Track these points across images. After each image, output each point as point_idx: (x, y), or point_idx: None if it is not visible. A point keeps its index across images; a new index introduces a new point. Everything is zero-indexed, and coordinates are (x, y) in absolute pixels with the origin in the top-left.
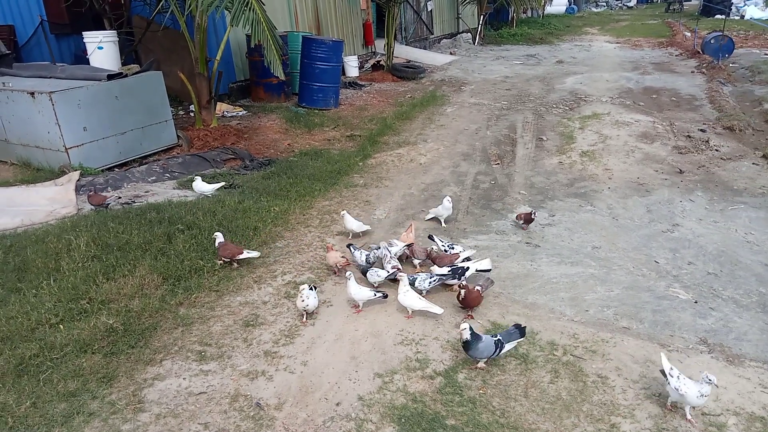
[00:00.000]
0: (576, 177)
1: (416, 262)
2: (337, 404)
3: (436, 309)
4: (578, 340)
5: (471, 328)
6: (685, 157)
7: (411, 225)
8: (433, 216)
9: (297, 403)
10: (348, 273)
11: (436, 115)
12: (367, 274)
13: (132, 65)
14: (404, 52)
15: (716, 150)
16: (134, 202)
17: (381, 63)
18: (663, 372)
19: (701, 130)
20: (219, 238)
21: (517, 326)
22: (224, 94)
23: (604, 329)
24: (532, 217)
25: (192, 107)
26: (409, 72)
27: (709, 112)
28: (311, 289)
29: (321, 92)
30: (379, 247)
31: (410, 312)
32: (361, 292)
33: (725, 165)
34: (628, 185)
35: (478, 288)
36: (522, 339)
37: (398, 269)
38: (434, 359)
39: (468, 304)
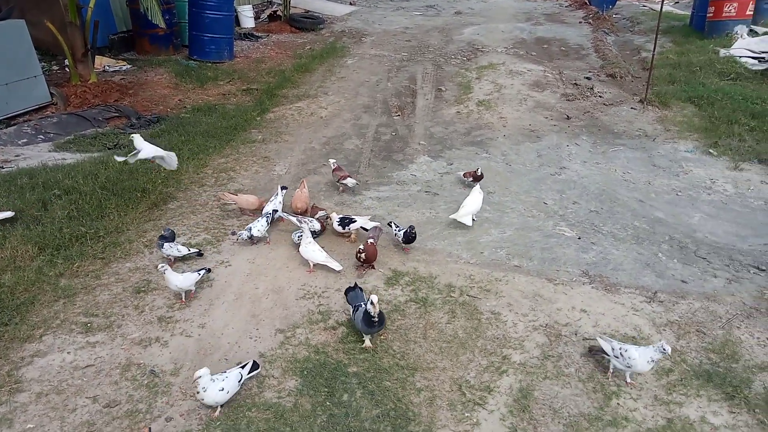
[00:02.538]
0: (473, 126)
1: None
2: (238, 364)
3: (335, 265)
4: (474, 280)
5: None
6: (573, 103)
7: (303, 181)
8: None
9: (195, 366)
10: (161, 266)
11: (337, 67)
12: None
13: None
14: (302, 2)
15: (600, 96)
16: (2, 167)
17: (278, 13)
18: (602, 350)
19: (587, 78)
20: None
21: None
22: (104, 47)
23: (498, 269)
24: (479, 174)
25: (67, 62)
26: (308, 23)
27: (594, 61)
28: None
29: (213, 44)
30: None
31: (311, 266)
32: (186, 279)
33: (607, 110)
34: (520, 132)
35: (371, 241)
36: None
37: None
38: (336, 310)
39: (369, 259)
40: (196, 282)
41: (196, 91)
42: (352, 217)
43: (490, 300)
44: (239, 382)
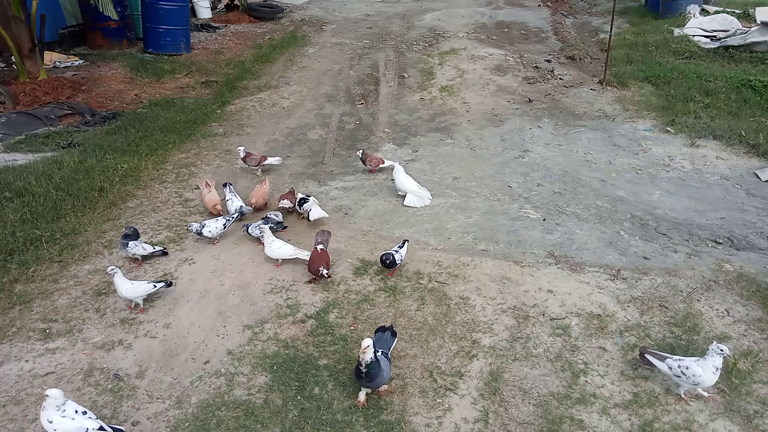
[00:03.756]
0: (437, 112)
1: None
2: (206, 362)
3: (306, 254)
4: (442, 266)
5: (375, 347)
6: (534, 86)
7: (265, 179)
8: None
9: (161, 368)
10: (111, 268)
11: (298, 56)
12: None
13: None
14: None
15: (560, 78)
16: None
17: (236, 3)
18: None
19: (547, 61)
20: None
21: (382, 328)
22: (54, 42)
23: (465, 254)
24: (382, 164)
25: (13, 58)
26: (267, 12)
27: (554, 44)
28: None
29: (169, 36)
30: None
31: (280, 261)
32: (136, 288)
33: (568, 92)
34: (484, 117)
35: (321, 247)
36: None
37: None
38: (305, 303)
39: (311, 267)
40: (150, 294)
41: (153, 85)
42: (306, 196)
43: (458, 285)
44: None
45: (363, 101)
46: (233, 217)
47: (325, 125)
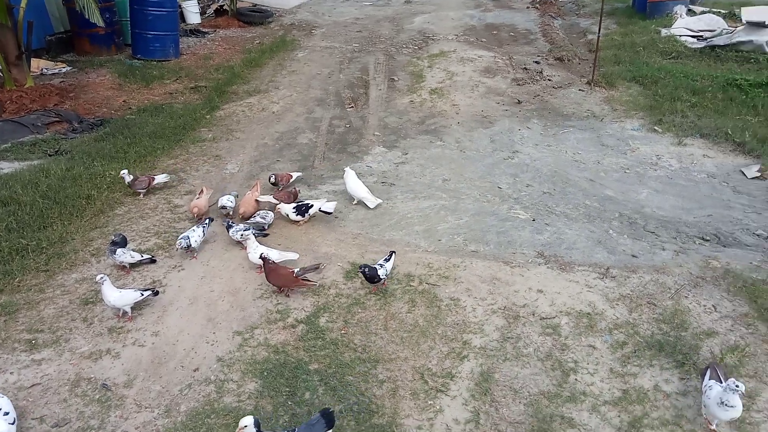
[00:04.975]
0: (426, 114)
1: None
2: (195, 370)
3: (291, 255)
4: (432, 268)
5: (256, 422)
6: (523, 88)
7: (257, 183)
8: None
9: (149, 376)
10: (100, 276)
11: (287, 60)
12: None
13: None
14: None
15: (549, 80)
16: None
17: (225, 8)
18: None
19: (536, 62)
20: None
21: (324, 413)
22: (41, 49)
23: (455, 255)
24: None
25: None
26: (257, 16)
27: (542, 45)
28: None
29: (158, 41)
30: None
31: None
32: (123, 297)
33: (556, 93)
34: (473, 118)
35: (299, 269)
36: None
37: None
38: (295, 308)
39: (271, 281)
40: (137, 302)
41: (142, 91)
42: (308, 202)
43: (449, 286)
44: None
45: (353, 104)
46: (207, 224)
47: (315, 129)
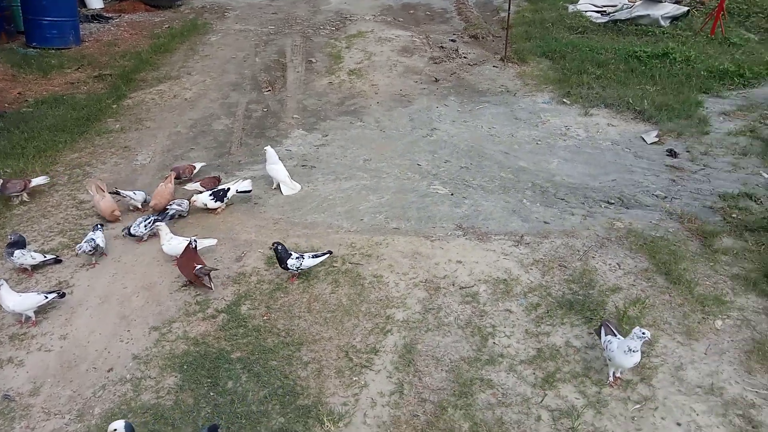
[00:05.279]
0: (346, 95)
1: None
2: (109, 370)
3: (210, 242)
4: (355, 248)
5: (128, 426)
6: (440, 66)
7: (171, 174)
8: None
9: (58, 382)
10: None
11: (200, 45)
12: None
13: None
14: None
15: (464, 57)
16: None
17: None
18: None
19: (452, 41)
20: None
21: (211, 428)
22: None
23: (378, 233)
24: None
25: None
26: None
27: (457, 23)
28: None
29: (55, 28)
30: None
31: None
32: (24, 301)
33: (472, 70)
34: (392, 98)
35: (199, 267)
36: None
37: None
38: (215, 298)
39: (178, 267)
40: (41, 306)
41: (39, 82)
42: (224, 186)
43: (371, 264)
44: None
45: (270, 88)
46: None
47: (231, 114)
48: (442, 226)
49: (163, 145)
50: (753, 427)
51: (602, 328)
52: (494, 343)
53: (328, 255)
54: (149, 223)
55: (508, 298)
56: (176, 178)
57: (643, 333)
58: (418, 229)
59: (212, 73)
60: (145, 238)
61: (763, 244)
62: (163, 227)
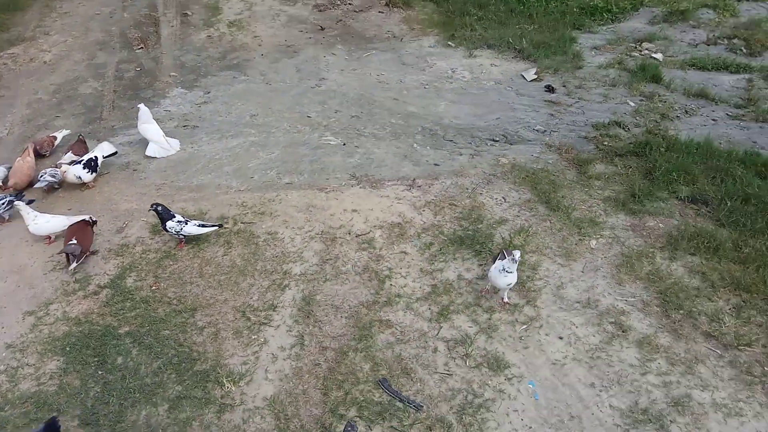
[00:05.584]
0: (227, 49)
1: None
2: None
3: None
4: (247, 207)
5: None
6: (325, 14)
7: (28, 148)
8: None
9: None
10: None
11: (56, 1)
12: None
13: None
14: None
15: (349, 4)
16: None
17: None
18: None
19: None
20: None
21: (49, 423)
22: None
23: (270, 190)
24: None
25: None
26: None
27: None
28: None
29: None
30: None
31: (52, 237)
32: None
33: (358, 17)
34: (277, 49)
35: (72, 243)
36: None
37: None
38: (96, 273)
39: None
40: None
41: None
42: (90, 155)
43: (265, 222)
44: None
45: (142, 45)
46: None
47: (100, 76)
48: (336, 176)
49: (22, 115)
50: (623, 331)
51: (500, 255)
52: (391, 285)
53: (217, 228)
54: (5, 204)
55: (402, 240)
56: (39, 155)
57: (513, 255)
58: (312, 182)
59: (74, 32)
60: (7, 217)
61: (631, 167)
62: (22, 207)
